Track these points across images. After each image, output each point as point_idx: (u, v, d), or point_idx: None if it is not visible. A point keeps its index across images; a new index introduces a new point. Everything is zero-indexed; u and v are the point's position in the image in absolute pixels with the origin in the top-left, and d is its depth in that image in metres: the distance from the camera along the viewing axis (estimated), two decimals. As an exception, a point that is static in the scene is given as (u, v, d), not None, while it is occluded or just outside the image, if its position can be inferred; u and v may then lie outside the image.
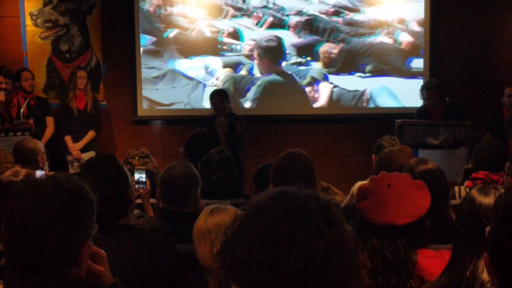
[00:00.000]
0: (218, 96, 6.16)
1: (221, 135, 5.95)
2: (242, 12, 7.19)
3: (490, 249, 1.39)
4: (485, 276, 1.79)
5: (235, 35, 7.22)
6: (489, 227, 1.42)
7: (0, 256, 2.12)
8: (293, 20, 7.14)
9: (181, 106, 7.31)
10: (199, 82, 7.25)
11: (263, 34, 7.18)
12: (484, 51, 7.00)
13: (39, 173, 3.72)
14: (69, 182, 1.59)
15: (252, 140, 6.79)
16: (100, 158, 2.61)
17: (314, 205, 1.20)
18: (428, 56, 7.03)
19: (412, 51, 7.10)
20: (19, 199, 1.54)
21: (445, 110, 6.14)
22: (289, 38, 7.18)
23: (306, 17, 7.13)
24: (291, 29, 7.15)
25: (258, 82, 7.21)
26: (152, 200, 3.82)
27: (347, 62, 7.14)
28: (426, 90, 6.06)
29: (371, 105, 7.17)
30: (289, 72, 7.17)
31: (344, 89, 7.16)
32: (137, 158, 4.41)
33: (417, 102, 6.72)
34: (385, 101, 7.16)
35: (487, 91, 6.91)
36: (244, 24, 7.20)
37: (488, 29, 6.98)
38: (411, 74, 7.09)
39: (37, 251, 1.50)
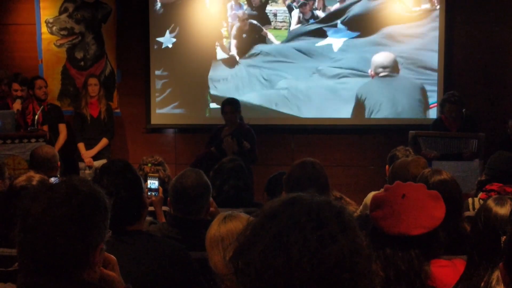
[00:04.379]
0: (229, 105, 6.15)
1: (230, 155, 5.87)
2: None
3: (506, 260, 1.38)
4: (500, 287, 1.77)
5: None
6: (505, 237, 1.41)
7: (13, 260, 2.13)
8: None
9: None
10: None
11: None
12: (499, 64, 6.95)
13: (53, 180, 3.71)
14: (84, 184, 1.60)
15: (265, 150, 6.77)
16: (115, 162, 2.63)
17: (327, 210, 1.19)
18: (442, 69, 6.98)
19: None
20: (34, 200, 1.55)
21: (461, 122, 6.06)
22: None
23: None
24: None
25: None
26: (165, 208, 3.81)
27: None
28: (449, 103, 5.90)
29: (385, 116, 7.14)
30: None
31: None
32: (149, 164, 4.42)
33: (430, 113, 6.71)
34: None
35: (501, 104, 6.87)
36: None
37: (503, 43, 6.94)
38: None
39: (50, 252, 1.50)
